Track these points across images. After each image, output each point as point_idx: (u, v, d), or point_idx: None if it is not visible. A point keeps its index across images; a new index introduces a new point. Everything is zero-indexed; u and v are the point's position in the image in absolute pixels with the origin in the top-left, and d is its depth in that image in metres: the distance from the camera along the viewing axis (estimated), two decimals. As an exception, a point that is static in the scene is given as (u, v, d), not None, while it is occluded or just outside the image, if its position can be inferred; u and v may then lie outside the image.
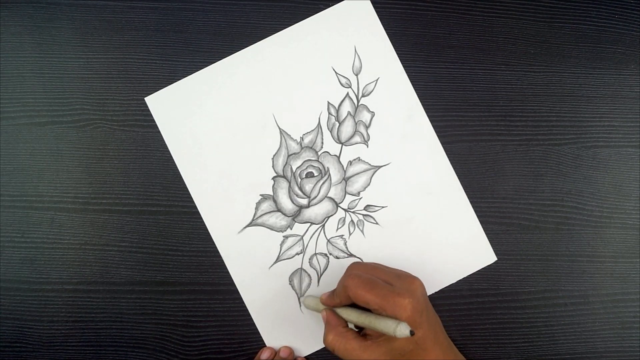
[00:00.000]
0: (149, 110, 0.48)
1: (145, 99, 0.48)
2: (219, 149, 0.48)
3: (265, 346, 0.47)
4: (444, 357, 0.39)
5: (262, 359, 0.46)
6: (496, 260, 0.48)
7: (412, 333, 0.36)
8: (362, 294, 0.38)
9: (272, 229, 0.48)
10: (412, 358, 0.39)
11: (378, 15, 0.49)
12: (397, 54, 0.49)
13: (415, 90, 0.49)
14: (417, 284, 0.40)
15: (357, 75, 0.49)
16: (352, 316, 0.40)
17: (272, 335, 0.47)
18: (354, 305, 0.41)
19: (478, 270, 0.48)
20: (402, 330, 0.36)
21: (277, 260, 0.48)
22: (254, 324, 0.47)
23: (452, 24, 0.50)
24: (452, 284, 0.48)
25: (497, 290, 0.48)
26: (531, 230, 0.49)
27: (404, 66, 0.49)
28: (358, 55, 0.49)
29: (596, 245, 0.49)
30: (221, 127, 0.48)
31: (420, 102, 0.49)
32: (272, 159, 0.48)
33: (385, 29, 0.49)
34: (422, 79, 0.49)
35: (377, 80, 0.49)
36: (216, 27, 0.49)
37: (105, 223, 0.47)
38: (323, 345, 0.47)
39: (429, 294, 0.47)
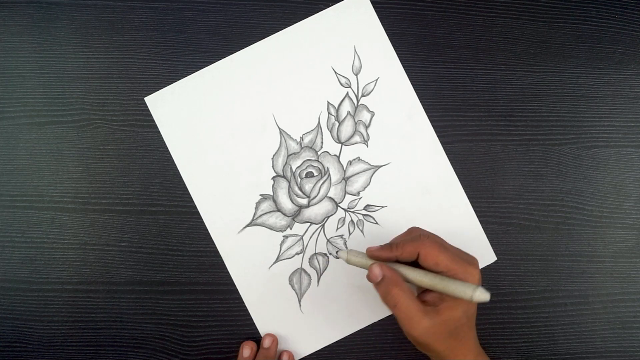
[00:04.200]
0: (149, 110, 0.48)
1: (145, 99, 0.48)
2: (219, 149, 0.48)
3: (246, 341, 0.47)
4: (475, 342, 0.40)
5: (244, 357, 0.46)
6: (496, 260, 0.48)
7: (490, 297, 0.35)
8: (436, 254, 0.37)
9: (272, 229, 0.48)
10: (460, 334, 0.38)
11: (378, 16, 0.49)
12: (397, 54, 0.49)
13: (415, 90, 0.49)
14: (477, 261, 0.40)
15: (356, 75, 0.49)
16: (418, 276, 0.38)
17: (278, 337, 0.47)
18: (412, 266, 0.39)
19: (478, 270, 0.48)
20: (479, 294, 0.35)
21: (277, 260, 0.48)
22: (254, 324, 0.47)
23: (452, 24, 0.50)
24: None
25: (497, 290, 0.48)
26: (531, 230, 0.49)
27: (404, 66, 0.49)
28: (358, 55, 0.49)
29: (596, 245, 0.49)
30: (221, 127, 0.48)
31: (420, 102, 0.49)
32: (272, 158, 0.48)
33: (385, 29, 0.49)
34: (422, 79, 0.49)
35: (376, 80, 0.49)
36: (216, 27, 0.49)
37: (105, 223, 0.47)
38: (323, 346, 0.47)
39: None
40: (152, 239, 0.47)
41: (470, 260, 0.39)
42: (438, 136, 0.48)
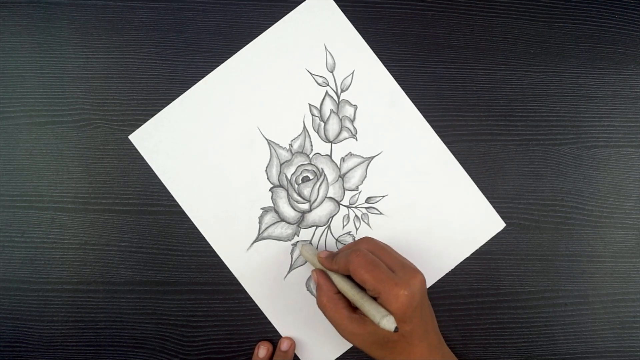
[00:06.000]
0: (148, 110, 0.48)
1: (129, 137, 0.47)
2: (212, 172, 0.48)
3: (262, 341, 0.47)
4: (428, 355, 0.39)
5: (259, 357, 0.46)
6: (504, 229, 0.48)
7: (396, 329, 0.36)
8: (362, 273, 0.38)
9: (279, 240, 0.48)
10: (395, 348, 0.39)
11: (378, 16, 0.49)
12: (397, 54, 0.49)
13: (416, 90, 0.49)
14: (419, 278, 0.39)
15: (332, 72, 0.48)
16: (345, 288, 0.40)
17: (303, 344, 0.47)
18: (350, 277, 0.41)
19: (478, 270, 0.48)
20: (386, 323, 0.36)
21: (291, 269, 0.48)
22: (254, 324, 0.47)
23: (452, 24, 0.50)
24: (452, 285, 0.48)
25: (497, 290, 0.48)
26: (531, 230, 0.49)
27: (404, 67, 0.49)
28: (329, 52, 0.48)
29: (596, 245, 0.49)
30: (209, 150, 0.48)
31: (420, 102, 0.49)
32: (266, 170, 0.48)
33: (385, 29, 0.49)
34: (422, 79, 0.49)
35: (352, 72, 0.48)
36: (216, 27, 0.49)
37: (105, 223, 0.47)
38: (351, 345, 0.47)
39: (447, 270, 0.48)
40: (152, 239, 0.47)
41: (402, 280, 0.38)
42: (439, 136, 0.48)
